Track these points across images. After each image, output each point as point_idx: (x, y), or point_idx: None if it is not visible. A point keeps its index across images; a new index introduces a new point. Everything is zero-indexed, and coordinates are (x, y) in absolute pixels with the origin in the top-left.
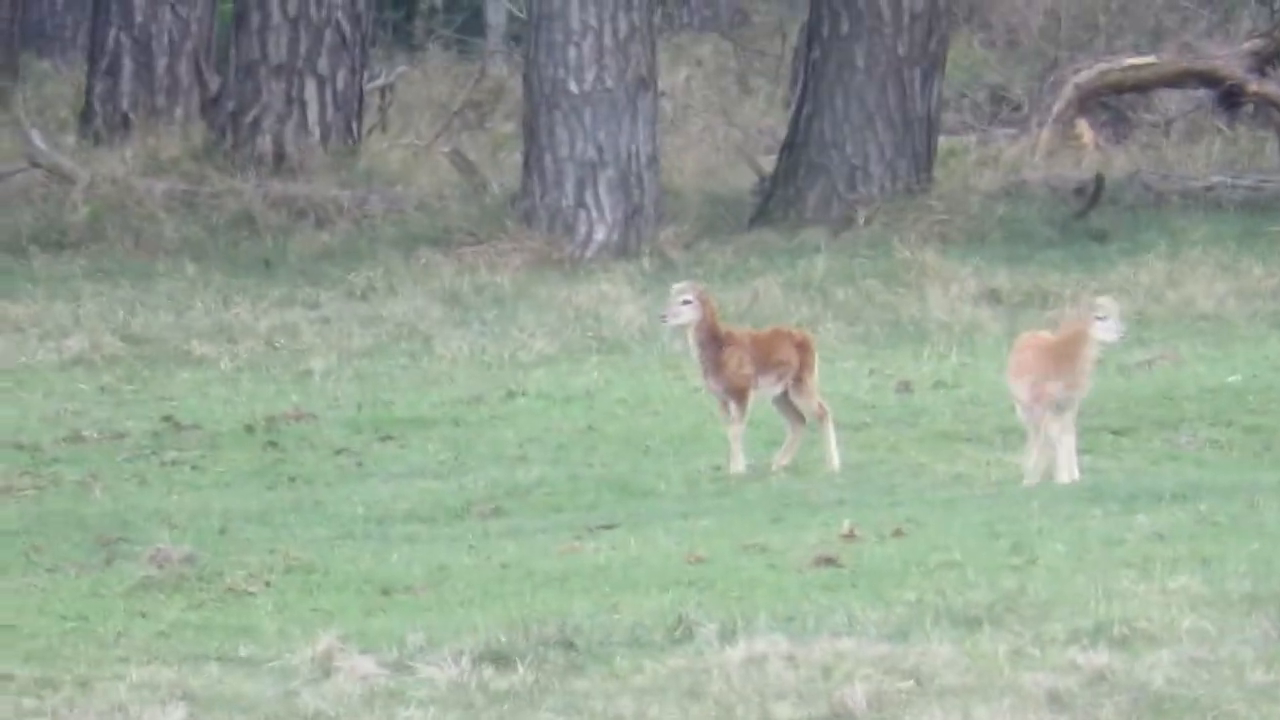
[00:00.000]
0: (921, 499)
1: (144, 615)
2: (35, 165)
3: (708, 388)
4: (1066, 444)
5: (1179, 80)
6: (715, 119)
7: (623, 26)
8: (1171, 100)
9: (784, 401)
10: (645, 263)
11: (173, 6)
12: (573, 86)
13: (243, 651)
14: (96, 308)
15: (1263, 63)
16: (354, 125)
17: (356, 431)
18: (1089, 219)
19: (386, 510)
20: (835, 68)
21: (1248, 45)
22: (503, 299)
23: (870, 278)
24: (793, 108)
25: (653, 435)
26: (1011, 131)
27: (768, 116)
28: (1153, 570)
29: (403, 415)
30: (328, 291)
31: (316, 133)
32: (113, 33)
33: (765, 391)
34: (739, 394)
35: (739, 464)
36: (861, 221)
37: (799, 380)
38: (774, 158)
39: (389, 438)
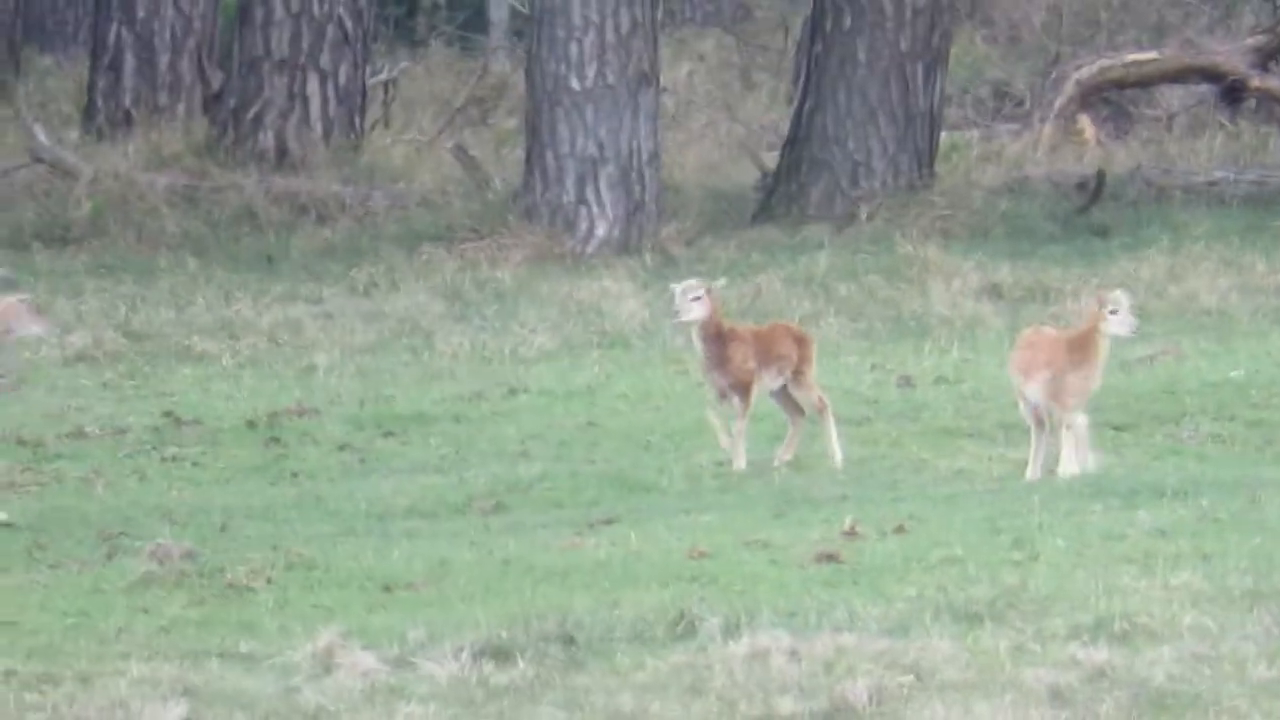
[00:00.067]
0: (923, 494)
1: (145, 611)
2: (38, 161)
3: (710, 383)
4: (1071, 440)
5: (1181, 75)
6: (718, 114)
7: (625, 22)
8: (1174, 95)
9: (784, 396)
10: (647, 258)
11: (175, 2)
12: (574, 82)
13: (243, 648)
14: (99, 303)
15: (1265, 58)
16: (356, 121)
17: (358, 427)
18: (1091, 214)
19: (388, 506)
20: (838, 63)
21: (1249, 41)
22: (504, 295)
23: (872, 273)
24: (795, 103)
25: (654, 430)
26: (1014, 127)
27: (770, 112)
28: (1154, 566)
29: (404, 411)
30: (330, 287)
31: (319, 128)
32: (115, 28)
33: (766, 385)
34: (743, 389)
35: (740, 460)
36: (864, 217)
37: (798, 374)
38: (776, 153)
39: (391, 433)
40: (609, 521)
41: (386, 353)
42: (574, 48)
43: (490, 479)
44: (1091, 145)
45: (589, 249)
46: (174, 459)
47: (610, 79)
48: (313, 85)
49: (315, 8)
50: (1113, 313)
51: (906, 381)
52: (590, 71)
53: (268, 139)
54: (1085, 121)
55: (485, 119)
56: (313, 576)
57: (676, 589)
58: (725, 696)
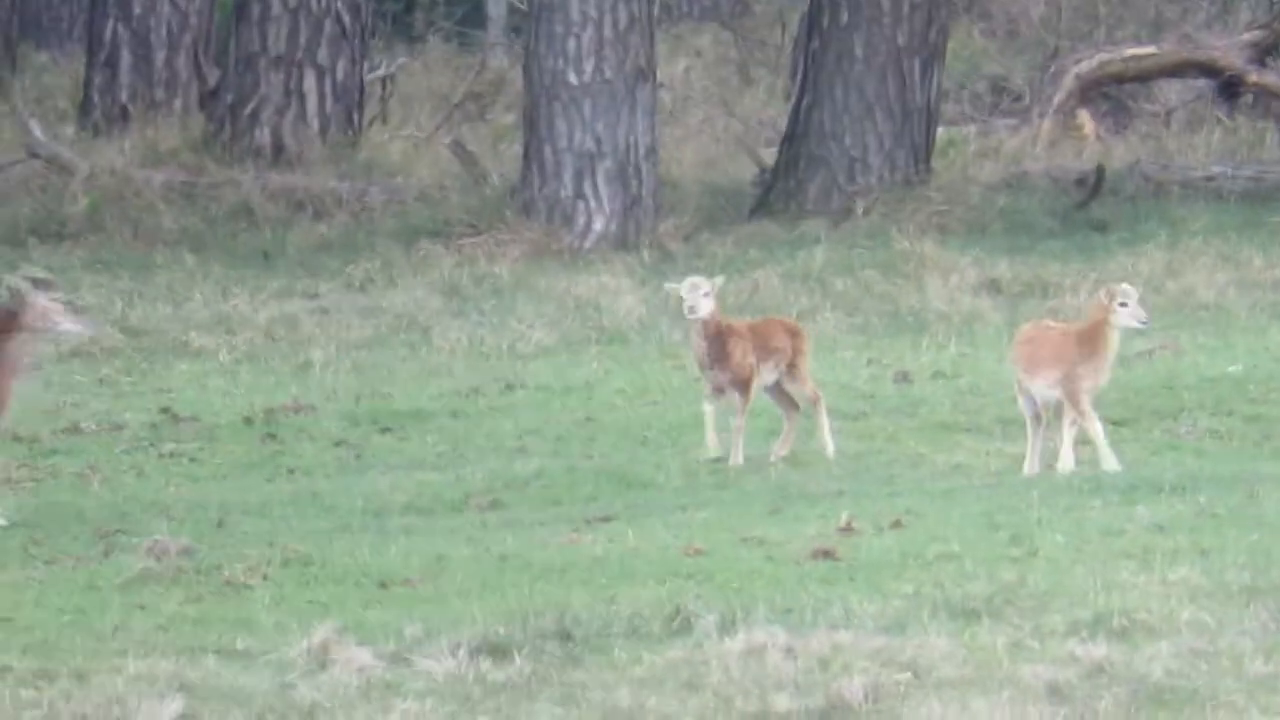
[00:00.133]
0: (920, 490)
1: (142, 608)
2: (34, 156)
3: (710, 379)
4: (1071, 435)
5: (1179, 71)
6: (715, 110)
7: (622, 17)
8: (1172, 90)
9: (778, 390)
10: (644, 254)
11: None
12: (572, 78)
13: (240, 644)
14: (95, 299)
15: (1262, 53)
16: (354, 117)
17: (355, 423)
18: (1089, 209)
19: (384, 502)
20: (835, 58)
21: (1247, 36)
22: (502, 290)
23: (869, 268)
24: (792, 98)
25: (651, 426)
26: (1012, 122)
27: (768, 107)
28: (1152, 562)
29: (401, 407)
30: (326, 283)
31: (315, 124)
32: (111, 24)
33: (764, 379)
34: (744, 384)
35: (738, 455)
36: (861, 212)
37: (792, 366)
38: (774, 149)
39: (387, 429)
40: (606, 518)
41: (383, 348)
42: (572, 43)
43: (487, 475)
44: (1090, 140)
45: (586, 244)
46: (171, 455)
47: (608, 74)
48: (310, 81)
49: (312, 3)
50: (1122, 305)
51: (904, 377)
52: (588, 67)
53: (264, 135)
54: (1084, 116)
55: (483, 114)
56: (309, 573)
57: (673, 585)
58: (721, 693)
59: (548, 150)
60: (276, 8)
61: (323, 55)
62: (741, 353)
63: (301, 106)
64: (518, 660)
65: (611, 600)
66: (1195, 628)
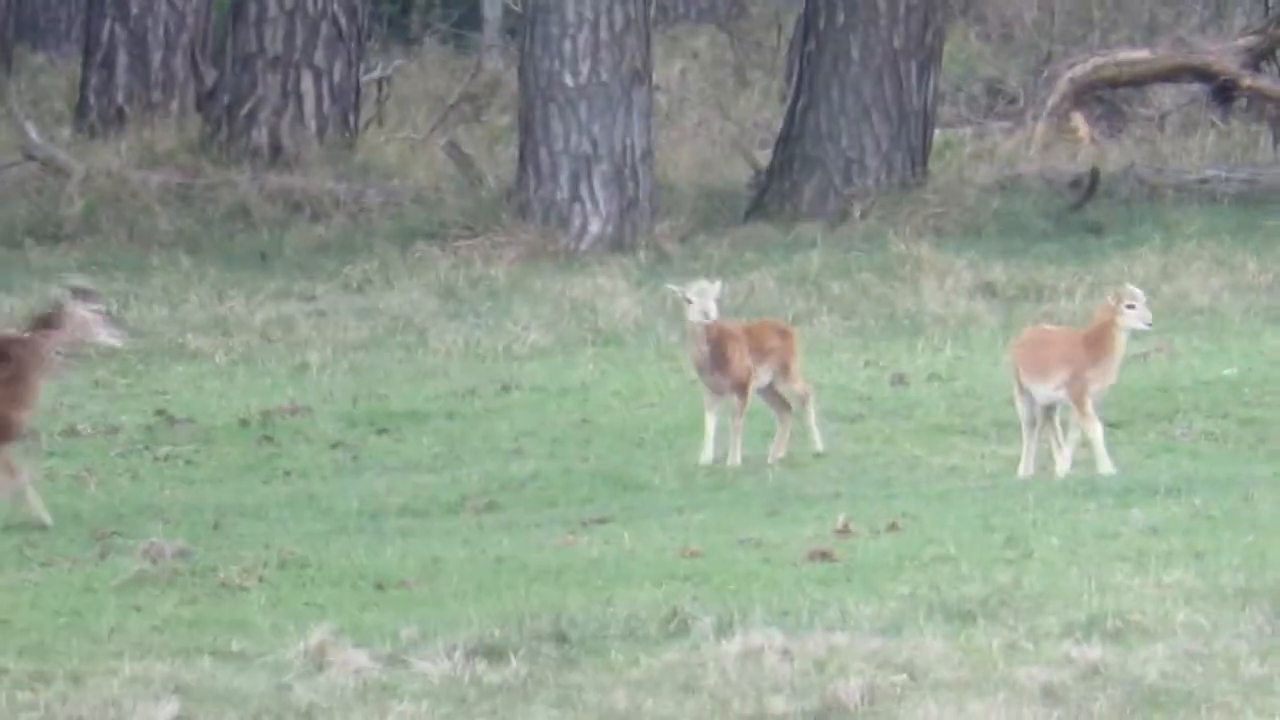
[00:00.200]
0: (916, 492)
1: (137, 610)
2: (30, 158)
3: (708, 382)
4: (1073, 438)
5: (1173, 74)
6: (711, 112)
7: (618, 19)
8: (1166, 94)
9: (770, 392)
10: (640, 256)
11: None
12: (568, 80)
13: (235, 646)
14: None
15: (1256, 58)
16: (350, 118)
17: (351, 425)
18: (1084, 212)
19: (381, 504)
20: (830, 60)
21: (1241, 41)
22: (498, 292)
23: (865, 271)
24: (788, 100)
25: (647, 428)
26: (1006, 125)
27: (764, 109)
28: (1147, 564)
29: (397, 409)
30: (323, 285)
31: (312, 125)
32: (108, 25)
33: (760, 381)
34: (742, 387)
35: (736, 456)
36: (857, 215)
37: (784, 366)
38: (769, 151)
39: (384, 431)
40: (602, 520)
41: (380, 350)
42: (567, 45)
43: (483, 477)
44: (1084, 143)
45: (582, 246)
46: (167, 457)
47: (604, 76)
48: (307, 82)
49: (309, 5)
50: (1130, 307)
51: (899, 379)
52: (584, 69)
53: (261, 136)
54: (1078, 120)
55: (479, 116)
56: (305, 574)
57: (670, 587)
58: (718, 695)
59: (543, 152)
60: (273, 9)
61: (319, 57)
62: (740, 356)
63: (298, 108)
64: (514, 662)
65: (608, 602)
66: (1190, 630)
